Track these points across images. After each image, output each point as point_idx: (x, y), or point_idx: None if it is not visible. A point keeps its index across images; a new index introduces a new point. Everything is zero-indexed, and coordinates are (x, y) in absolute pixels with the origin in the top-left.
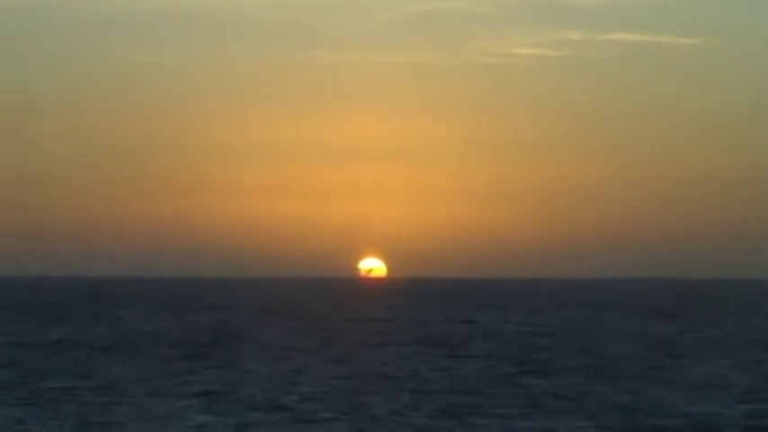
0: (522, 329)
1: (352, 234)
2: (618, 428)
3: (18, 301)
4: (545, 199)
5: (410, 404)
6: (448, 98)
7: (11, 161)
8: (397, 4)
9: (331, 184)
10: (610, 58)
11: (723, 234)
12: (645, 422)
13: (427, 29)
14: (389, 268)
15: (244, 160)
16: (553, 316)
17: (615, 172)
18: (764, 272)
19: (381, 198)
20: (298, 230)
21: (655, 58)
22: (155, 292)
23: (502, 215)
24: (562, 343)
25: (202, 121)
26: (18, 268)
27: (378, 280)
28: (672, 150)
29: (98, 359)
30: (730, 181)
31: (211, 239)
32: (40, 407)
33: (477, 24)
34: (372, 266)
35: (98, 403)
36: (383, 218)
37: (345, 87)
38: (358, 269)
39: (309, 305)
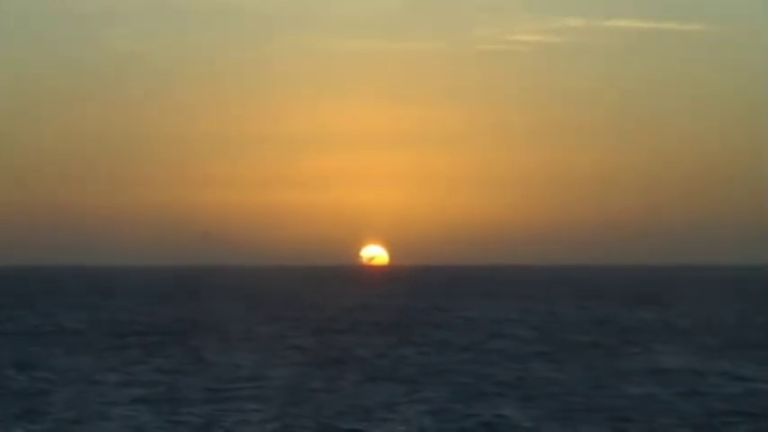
0: (495, 317)
1: (355, 222)
2: (539, 411)
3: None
4: (549, 185)
5: (336, 388)
6: (451, 85)
7: (8, 150)
8: None
9: (333, 172)
10: (612, 45)
11: (724, 220)
12: (574, 405)
13: (430, 16)
14: (392, 256)
15: (245, 149)
16: (536, 304)
17: (619, 157)
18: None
19: (384, 185)
20: (300, 219)
21: (656, 44)
22: (151, 281)
23: (505, 201)
24: (526, 331)
25: (202, 111)
26: (16, 258)
27: (379, 268)
28: (674, 135)
29: (55, 347)
30: (732, 166)
31: (213, 228)
32: None
33: (480, 12)
34: (374, 254)
35: (34, 391)
36: (386, 206)
37: (348, 75)
38: (360, 257)
39: (298, 293)
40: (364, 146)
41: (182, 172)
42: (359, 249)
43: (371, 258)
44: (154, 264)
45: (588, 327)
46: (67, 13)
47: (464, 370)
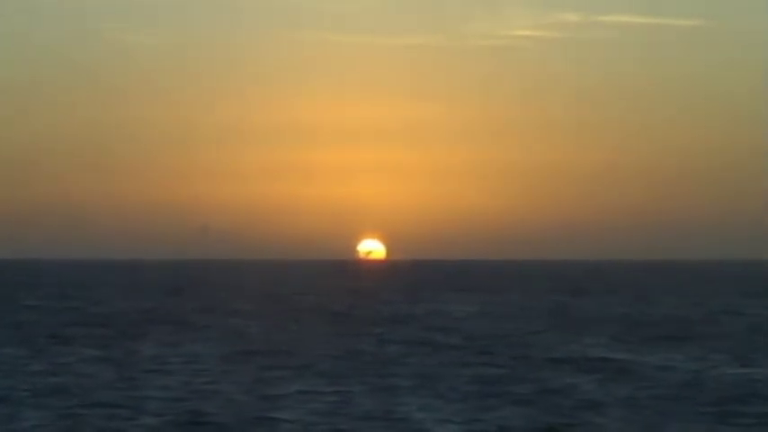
0: (460, 312)
1: (352, 217)
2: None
3: None
4: (544, 180)
5: (247, 377)
6: (446, 80)
7: (5, 142)
8: None
9: (330, 166)
10: (607, 40)
11: (723, 215)
12: (479, 393)
13: (425, 11)
14: (389, 250)
15: (241, 143)
16: (510, 299)
17: (615, 153)
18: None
19: (381, 180)
20: (297, 213)
21: (653, 39)
22: (140, 275)
23: (500, 196)
24: (481, 325)
25: (198, 104)
26: (9, 252)
27: (376, 262)
28: (671, 131)
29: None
30: (730, 161)
31: (211, 222)
32: None
33: (476, 6)
34: (372, 249)
35: None
36: (383, 200)
37: (344, 69)
38: (357, 252)
39: (276, 288)
40: (361, 140)
41: (179, 165)
42: (356, 244)
43: (369, 253)
44: (152, 258)
45: (543, 319)
46: (62, 6)
47: (377, 362)
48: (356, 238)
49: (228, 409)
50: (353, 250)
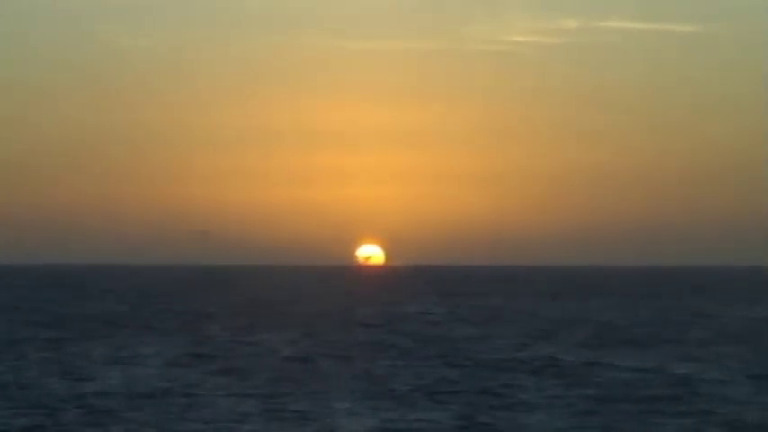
0: (431, 317)
1: (352, 221)
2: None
3: None
4: (544, 185)
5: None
6: (447, 84)
7: (2, 146)
8: None
9: (330, 170)
10: (607, 46)
11: (723, 220)
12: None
13: (425, 15)
14: (388, 256)
15: (240, 148)
16: (490, 303)
17: (614, 157)
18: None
19: (381, 185)
20: (296, 217)
21: (652, 45)
22: (127, 279)
23: (500, 201)
24: (443, 328)
25: (197, 108)
26: (5, 257)
27: (375, 267)
28: (670, 136)
29: None
30: (728, 167)
31: (210, 227)
32: None
33: (476, 12)
34: (371, 254)
35: None
36: (382, 205)
37: (344, 73)
38: (356, 257)
39: (260, 293)
40: (361, 144)
41: (177, 169)
42: (355, 249)
43: (368, 258)
44: (150, 262)
45: (500, 321)
46: (58, 9)
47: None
48: (355, 244)
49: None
50: (353, 255)
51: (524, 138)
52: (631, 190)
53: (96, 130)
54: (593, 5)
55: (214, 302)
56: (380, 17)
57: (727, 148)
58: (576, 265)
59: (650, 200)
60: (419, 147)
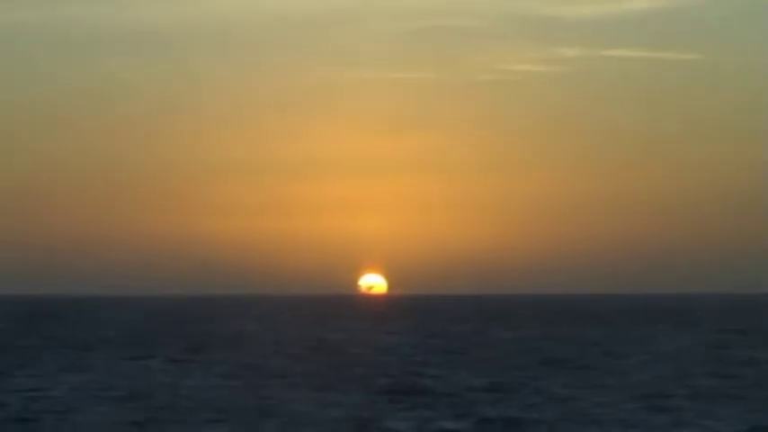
0: (384, 344)
1: (354, 251)
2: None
3: None
4: (545, 213)
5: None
6: (446, 114)
7: (6, 177)
8: (395, 21)
9: (331, 200)
10: (606, 74)
11: (722, 247)
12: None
13: (425, 45)
14: (390, 285)
15: (241, 176)
16: (451, 331)
17: (616, 186)
18: (759, 287)
19: (382, 214)
20: (298, 247)
21: (651, 73)
22: (113, 310)
23: (501, 230)
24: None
25: (197, 137)
26: (16, 286)
27: (377, 297)
28: (669, 165)
29: None
30: (727, 196)
31: (210, 257)
32: None
33: (475, 41)
34: (373, 283)
35: None
36: (384, 234)
37: (345, 103)
38: (358, 286)
39: (225, 323)
40: (363, 174)
41: (177, 199)
42: (357, 278)
43: (370, 287)
44: (149, 293)
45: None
46: (60, 40)
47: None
48: (357, 273)
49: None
50: (355, 285)
51: (528, 166)
52: (631, 216)
53: (95, 161)
54: (593, 34)
55: (143, 331)
56: (378, 47)
57: (727, 176)
58: (582, 293)
59: (650, 226)
60: (420, 176)
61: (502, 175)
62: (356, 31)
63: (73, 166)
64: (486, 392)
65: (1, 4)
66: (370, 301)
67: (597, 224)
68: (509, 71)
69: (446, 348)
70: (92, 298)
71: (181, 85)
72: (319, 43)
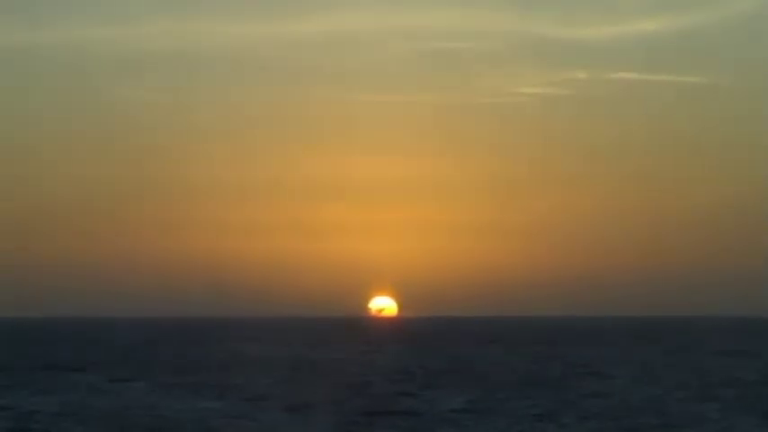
0: (376, 365)
1: (364, 273)
2: None
3: None
4: (556, 235)
5: None
6: (455, 136)
7: (14, 201)
8: (403, 43)
9: (341, 223)
10: (615, 97)
11: (724, 271)
12: None
13: (434, 68)
14: (401, 307)
15: (252, 198)
16: (448, 352)
17: (622, 207)
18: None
19: (392, 236)
20: (309, 269)
21: (658, 96)
22: (112, 332)
23: (512, 251)
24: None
25: (206, 160)
26: (23, 310)
27: (388, 319)
28: (675, 187)
29: None
30: (731, 218)
31: (220, 279)
32: None
33: (484, 64)
34: (383, 306)
35: None
36: (395, 257)
37: (353, 125)
38: (369, 308)
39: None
40: (373, 196)
41: (191, 220)
42: (368, 301)
43: (380, 310)
44: (162, 315)
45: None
46: (79, 65)
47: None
48: (368, 295)
49: None
50: (365, 307)
51: (535, 188)
52: (638, 239)
53: (105, 184)
54: (602, 57)
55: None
56: (391, 70)
57: (733, 197)
58: (592, 315)
59: (655, 249)
60: (431, 199)
61: (512, 196)
62: (363, 53)
63: (89, 188)
64: (459, 413)
65: (18, 25)
66: (379, 323)
67: (603, 246)
68: (516, 93)
69: (437, 369)
70: (107, 319)
71: (190, 108)
72: (332, 67)
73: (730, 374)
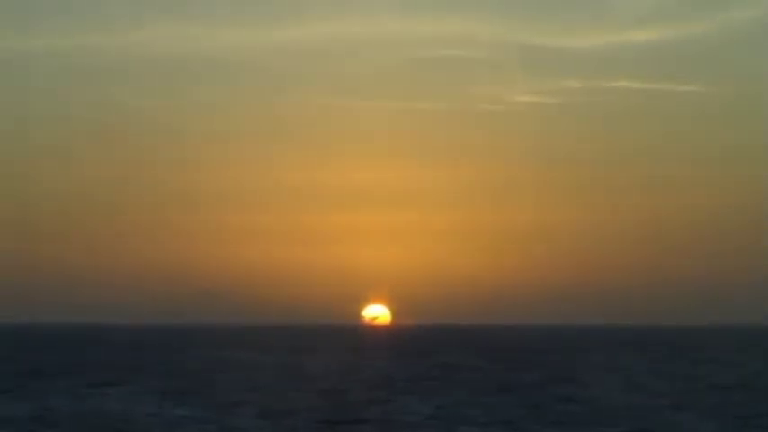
0: (358, 373)
1: (358, 281)
2: None
3: None
4: (547, 243)
5: None
6: (449, 144)
7: (12, 209)
8: (398, 51)
9: (336, 230)
10: (609, 106)
11: (723, 280)
12: None
13: (428, 76)
14: (395, 315)
15: (245, 206)
16: (434, 359)
17: (619, 217)
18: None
19: (387, 244)
20: (302, 277)
21: (653, 105)
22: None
23: (504, 260)
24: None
25: (204, 167)
26: (19, 315)
27: (382, 327)
28: (672, 195)
29: None
30: (729, 227)
31: (215, 286)
32: None
33: (478, 72)
34: (377, 314)
35: None
36: (389, 265)
37: (348, 133)
38: (363, 317)
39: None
40: (367, 204)
41: (184, 227)
42: (362, 309)
43: (374, 318)
44: (154, 323)
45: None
46: (74, 70)
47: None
48: (362, 303)
49: None
50: (359, 315)
51: (531, 197)
52: (634, 249)
53: (106, 189)
54: (596, 66)
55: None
56: (386, 78)
57: (730, 206)
58: (594, 324)
59: (652, 258)
60: (426, 206)
61: (507, 205)
62: (358, 61)
63: (84, 194)
64: (425, 419)
65: (18, 32)
66: (372, 331)
67: (599, 256)
68: (512, 102)
69: (418, 376)
70: (108, 326)
71: (192, 114)
72: (330, 74)
73: (712, 382)
